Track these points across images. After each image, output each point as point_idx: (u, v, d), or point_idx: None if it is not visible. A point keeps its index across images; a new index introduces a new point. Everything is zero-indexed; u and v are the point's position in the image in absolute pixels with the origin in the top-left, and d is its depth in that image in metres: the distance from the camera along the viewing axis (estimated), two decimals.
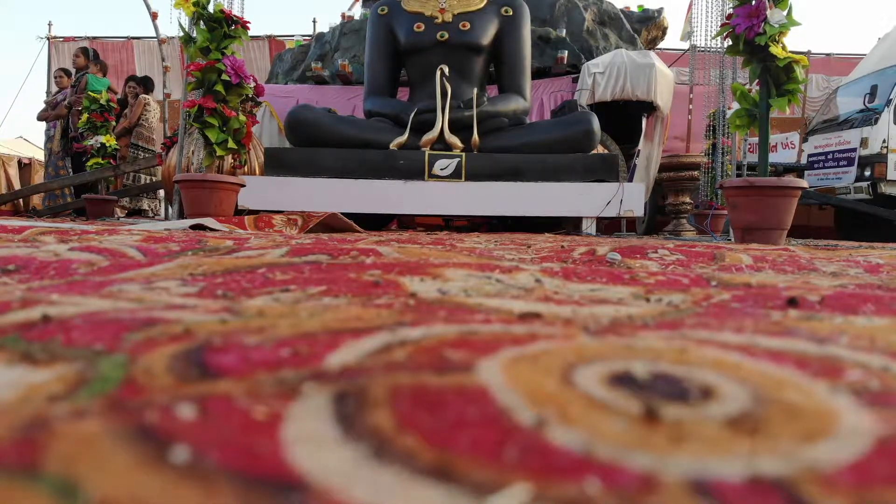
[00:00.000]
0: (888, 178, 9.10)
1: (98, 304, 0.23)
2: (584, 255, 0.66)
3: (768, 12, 2.66)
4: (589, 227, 4.01)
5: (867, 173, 9.23)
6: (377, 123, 4.24)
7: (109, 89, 7.78)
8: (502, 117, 4.29)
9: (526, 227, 4.19)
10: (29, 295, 0.24)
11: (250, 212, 3.93)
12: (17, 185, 23.47)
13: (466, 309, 0.23)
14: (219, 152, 3.41)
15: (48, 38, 12.65)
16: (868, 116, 9.41)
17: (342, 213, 4.14)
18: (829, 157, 10.01)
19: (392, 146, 4.10)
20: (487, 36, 4.38)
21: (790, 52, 2.68)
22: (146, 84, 8.72)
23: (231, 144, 3.43)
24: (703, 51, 6.16)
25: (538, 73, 5.43)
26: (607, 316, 0.23)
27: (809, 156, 10.46)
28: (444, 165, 4.04)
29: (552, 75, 5.54)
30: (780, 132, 11.68)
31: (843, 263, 0.69)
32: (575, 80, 5.44)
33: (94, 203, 6.53)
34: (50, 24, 12.47)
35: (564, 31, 5.50)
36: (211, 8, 3.48)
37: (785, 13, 2.71)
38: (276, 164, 4.06)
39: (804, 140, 10.80)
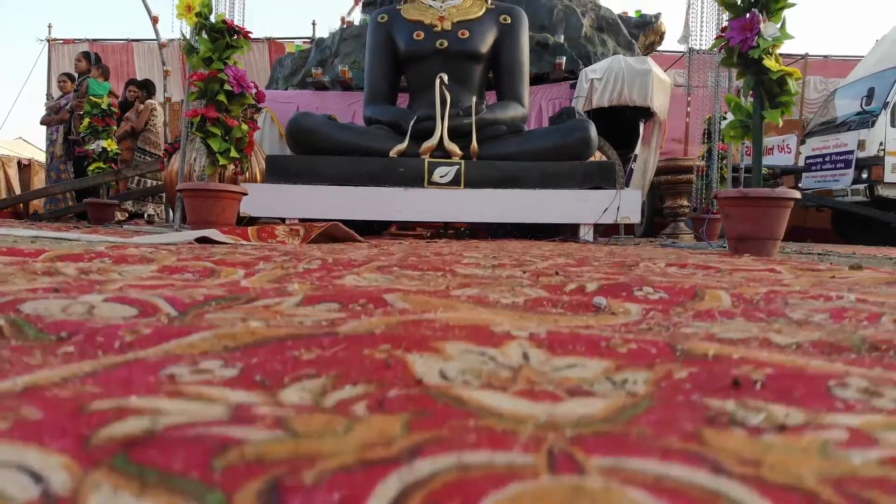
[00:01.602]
0: (885, 180, 9.16)
1: (170, 406, 0.27)
2: (574, 295, 0.71)
3: (762, 26, 2.71)
4: (587, 233, 4.06)
5: (864, 175, 9.29)
6: (377, 131, 4.29)
7: (111, 93, 7.83)
8: (501, 125, 4.34)
9: (525, 231, 4.24)
10: (118, 402, 0.28)
11: (251, 220, 3.97)
12: (16, 186, 23.40)
13: (463, 412, 0.28)
14: (221, 161, 3.46)
15: (48, 41, 12.68)
16: (865, 119, 9.46)
17: (343, 220, 4.19)
18: (827, 159, 10.06)
19: (392, 153, 4.15)
20: (486, 44, 4.43)
21: (783, 66, 2.73)
22: (147, 88, 8.76)
23: (233, 153, 3.48)
24: (699, 51, 6.20)
25: (536, 79, 5.47)
26: (571, 424, 0.28)
27: (807, 158, 10.51)
28: (443, 173, 4.09)
29: (550, 81, 5.59)
30: (777, 135, 11.73)
31: (815, 302, 0.74)
32: (573, 86, 5.49)
33: (95, 207, 6.58)
34: (50, 27, 12.49)
35: (562, 37, 5.55)
36: (213, 18, 3.53)
37: (778, 26, 2.76)
38: (278, 171, 4.11)
39: (802, 142, 10.85)
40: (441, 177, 4.10)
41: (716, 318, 0.59)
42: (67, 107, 7.77)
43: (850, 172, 9.56)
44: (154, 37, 8.87)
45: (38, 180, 22.58)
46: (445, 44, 4.34)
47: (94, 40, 12.94)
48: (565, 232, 4.23)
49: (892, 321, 0.62)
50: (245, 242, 2.48)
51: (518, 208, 4.08)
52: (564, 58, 5.46)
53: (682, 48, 7.40)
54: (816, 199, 9.56)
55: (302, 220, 4.10)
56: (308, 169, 4.11)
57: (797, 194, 2.80)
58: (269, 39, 12.33)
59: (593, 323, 0.55)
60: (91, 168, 6.77)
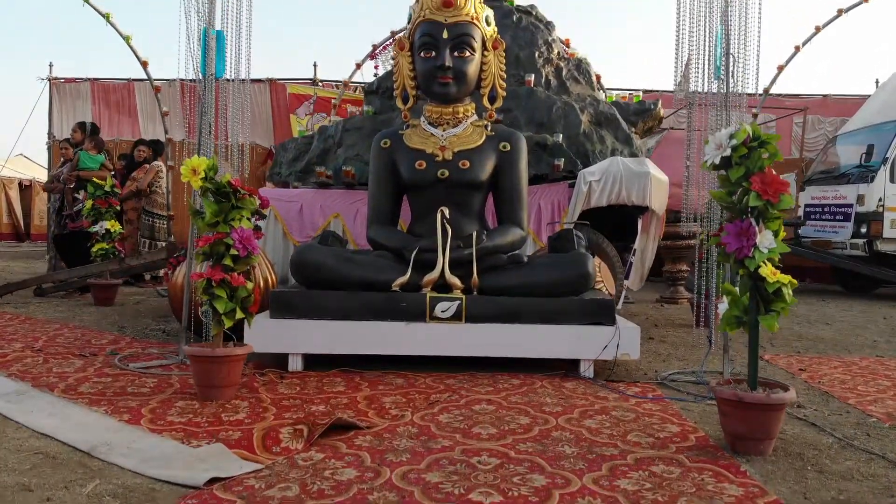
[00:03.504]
0: (884, 235, 9.21)
1: None
2: None
3: (758, 237, 2.76)
4: (587, 369, 4.13)
5: (863, 230, 9.33)
6: (379, 261, 4.35)
7: (103, 166, 7.90)
8: (501, 252, 4.40)
9: (526, 364, 4.28)
10: None
11: (251, 360, 4.00)
12: (17, 208, 23.28)
13: None
14: (227, 323, 3.52)
15: (49, 80, 12.70)
16: (864, 173, 9.50)
17: (345, 356, 4.25)
18: (826, 209, 10.10)
19: (394, 286, 4.21)
20: (486, 172, 4.48)
21: (780, 275, 2.78)
22: (156, 148, 8.81)
23: (239, 314, 3.54)
24: (699, 93, 6.19)
25: (535, 179, 5.53)
26: None
27: (806, 206, 10.56)
28: (444, 308, 4.16)
29: (549, 181, 5.64)
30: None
31: None
32: (571, 185, 5.54)
33: (99, 288, 6.64)
34: (51, 66, 12.47)
35: (561, 136, 5.60)
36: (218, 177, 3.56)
37: (773, 233, 2.81)
38: (282, 306, 4.18)
39: (801, 189, 10.87)
40: (442, 311, 4.17)
41: None
42: (61, 179, 7.83)
43: (850, 226, 9.60)
44: (154, 82, 8.84)
45: (40, 200, 22.54)
46: (447, 174, 4.40)
47: (96, 79, 12.97)
48: (566, 364, 4.28)
49: None
50: (251, 468, 2.53)
51: (519, 343, 4.16)
52: (563, 159, 5.51)
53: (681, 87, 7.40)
54: (814, 255, 9.62)
55: (305, 356, 4.16)
56: (312, 304, 4.18)
57: (793, 397, 2.87)
58: (270, 80, 12.38)
59: None
60: (95, 249, 6.83)
